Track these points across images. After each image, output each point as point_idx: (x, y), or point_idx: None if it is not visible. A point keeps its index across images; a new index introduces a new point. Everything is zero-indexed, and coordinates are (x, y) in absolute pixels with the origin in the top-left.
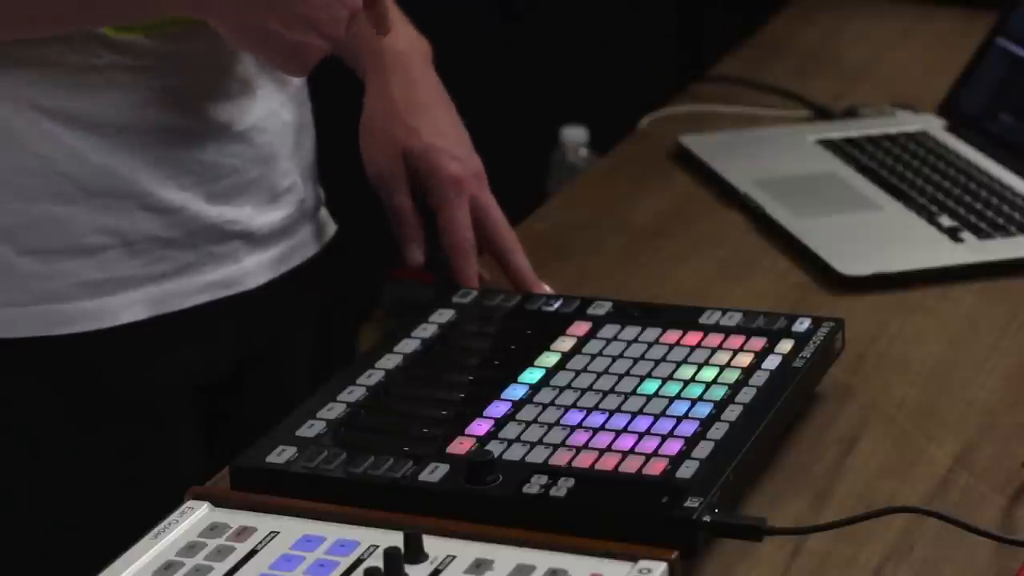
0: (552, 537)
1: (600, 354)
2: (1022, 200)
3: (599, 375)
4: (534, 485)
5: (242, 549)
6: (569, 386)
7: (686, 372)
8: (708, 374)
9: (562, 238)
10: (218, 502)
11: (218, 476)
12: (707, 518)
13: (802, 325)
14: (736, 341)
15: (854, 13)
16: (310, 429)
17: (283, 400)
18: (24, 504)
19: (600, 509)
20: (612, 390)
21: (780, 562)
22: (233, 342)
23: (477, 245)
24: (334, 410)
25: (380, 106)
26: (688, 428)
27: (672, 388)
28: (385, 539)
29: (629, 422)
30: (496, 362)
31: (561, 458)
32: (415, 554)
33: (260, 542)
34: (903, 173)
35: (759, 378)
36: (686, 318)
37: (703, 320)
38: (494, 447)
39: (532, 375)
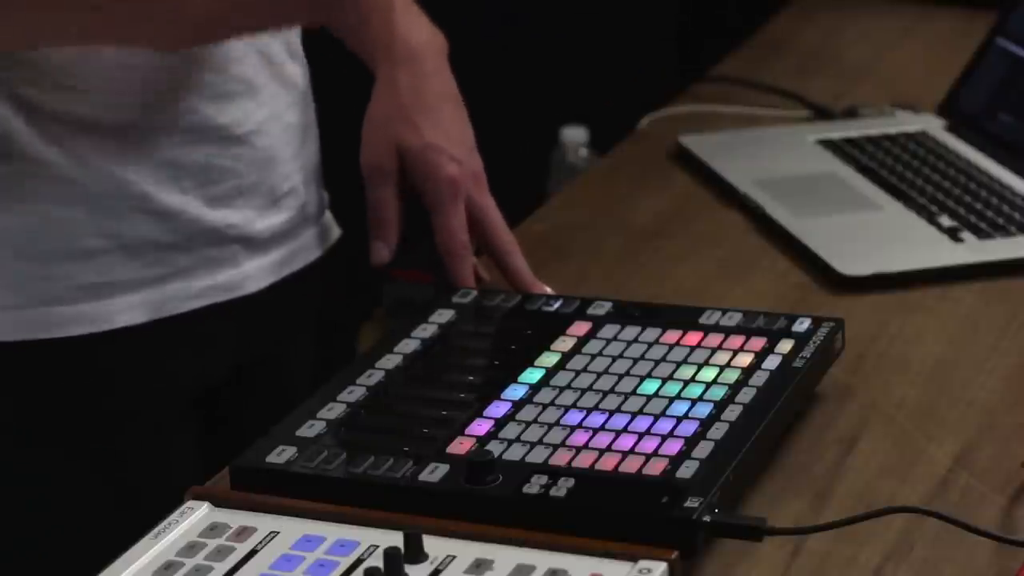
0: (552, 537)
1: (600, 354)
2: (1022, 200)
3: (599, 375)
4: (534, 485)
5: (242, 549)
6: (569, 386)
7: (686, 372)
8: (708, 374)
9: (562, 238)
10: (218, 502)
11: (218, 476)
12: (707, 518)
13: (802, 325)
14: (736, 341)
15: (854, 13)
16: (310, 429)
17: (284, 402)
18: (21, 507)
19: (600, 509)
20: (612, 390)
21: (780, 562)
22: (232, 346)
23: (475, 246)
24: (334, 410)
25: (386, 99)
26: (688, 428)
27: (672, 388)
28: (385, 539)
29: (629, 422)
30: (496, 362)
31: (561, 458)
32: (415, 554)
33: (260, 542)
34: (903, 173)
35: (759, 378)
36: (686, 318)
37: (703, 320)
38: (494, 447)
39: (532, 375)
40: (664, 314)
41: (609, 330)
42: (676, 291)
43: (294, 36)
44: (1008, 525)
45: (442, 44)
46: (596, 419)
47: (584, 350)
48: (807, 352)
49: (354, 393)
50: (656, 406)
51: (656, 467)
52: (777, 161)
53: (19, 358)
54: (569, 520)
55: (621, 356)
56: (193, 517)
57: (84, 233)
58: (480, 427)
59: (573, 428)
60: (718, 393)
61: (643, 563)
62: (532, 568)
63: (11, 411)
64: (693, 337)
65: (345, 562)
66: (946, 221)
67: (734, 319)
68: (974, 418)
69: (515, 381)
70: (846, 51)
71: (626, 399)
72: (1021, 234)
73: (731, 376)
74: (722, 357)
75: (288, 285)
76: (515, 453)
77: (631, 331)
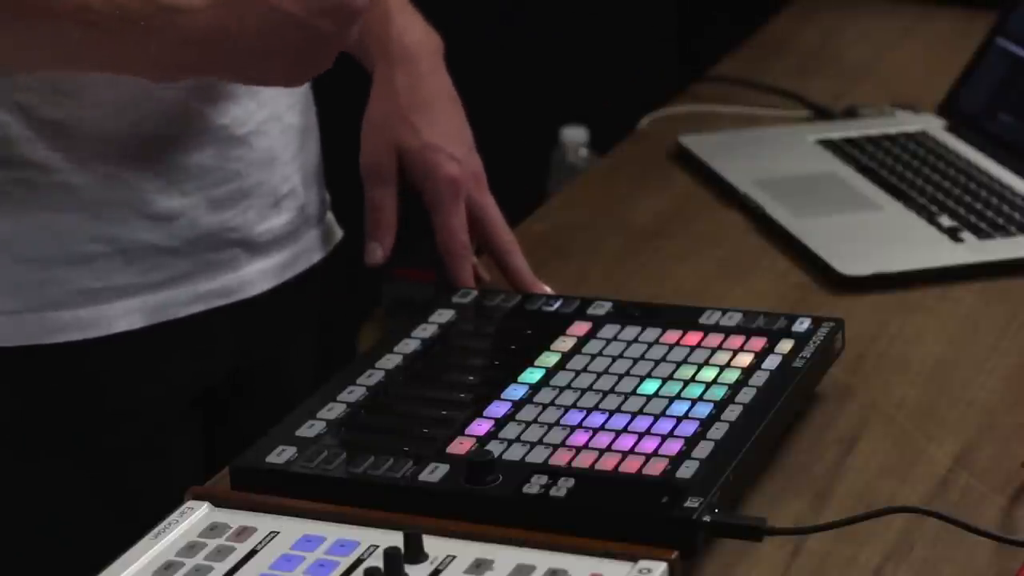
0: (552, 537)
1: (600, 354)
2: (1022, 200)
3: (599, 375)
4: (534, 485)
5: (242, 549)
6: (569, 386)
7: (686, 372)
8: (708, 374)
9: (562, 238)
10: (218, 502)
11: (218, 476)
12: (707, 518)
13: (802, 325)
14: (736, 341)
15: (854, 13)
16: (310, 429)
17: (284, 402)
18: (20, 510)
19: (600, 509)
20: (612, 390)
21: (780, 562)
22: (232, 349)
23: (475, 245)
24: (334, 410)
25: (383, 100)
26: (688, 428)
27: (672, 388)
28: (385, 539)
29: (629, 422)
30: (496, 362)
31: (561, 458)
32: (415, 554)
33: (260, 542)
34: (903, 173)
35: (759, 378)
36: (686, 318)
37: (703, 320)
38: (494, 447)
39: (532, 375)
40: (664, 314)
41: (609, 330)
42: (676, 291)
43: None
44: (1008, 525)
45: (438, 44)
46: (596, 419)
47: (584, 350)
48: (807, 352)
49: (354, 393)
50: (656, 406)
51: (656, 467)
52: (777, 161)
53: (17, 363)
54: (569, 520)
55: (621, 356)
56: (193, 517)
57: (83, 238)
58: (480, 427)
59: (573, 428)
60: (718, 393)
61: (643, 563)
62: (532, 568)
63: (10, 415)
64: (693, 337)
65: (345, 562)
66: (946, 221)
67: (734, 319)
68: (974, 418)
69: (515, 381)
70: (846, 51)
71: (626, 399)
72: (1021, 234)
73: (731, 376)
74: (722, 357)
75: (289, 288)
76: (515, 453)
77: (631, 331)
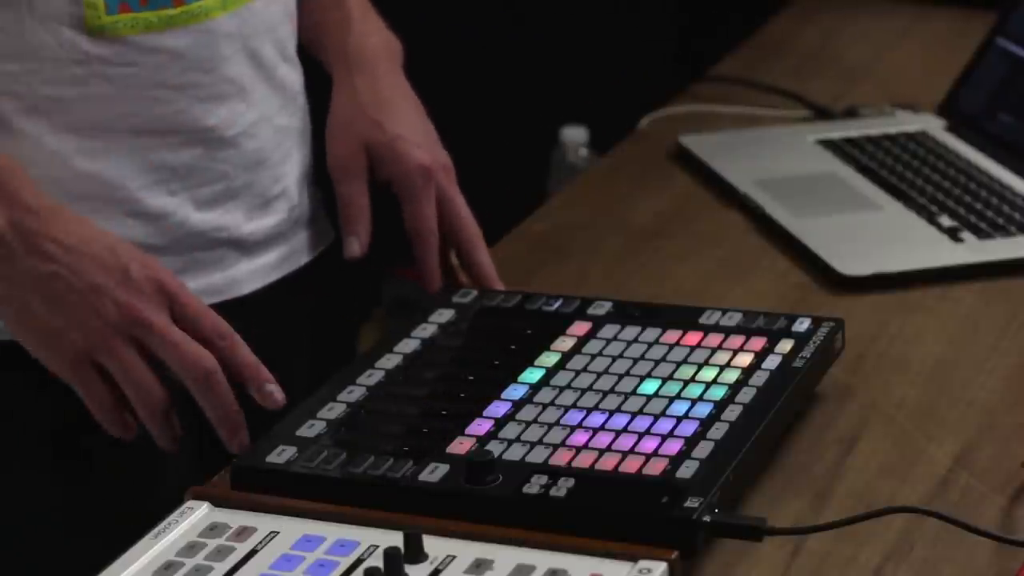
0: (552, 537)
1: (600, 354)
2: (1022, 200)
3: (599, 375)
4: (534, 485)
5: (242, 549)
6: (569, 386)
7: (686, 372)
8: (708, 374)
9: (562, 238)
10: (218, 502)
11: (218, 476)
12: (707, 518)
13: (802, 325)
14: (736, 341)
15: (854, 13)
16: (310, 429)
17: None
18: (16, 511)
19: (600, 509)
20: (612, 390)
21: (780, 562)
22: None
23: (442, 238)
24: (334, 410)
25: (345, 102)
26: (688, 428)
27: (672, 388)
28: (385, 539)
29: (629, 422)
30: (496, 362)
31: (561, 458)
32: (415, 554)
33: (260, 542)
34: (903, 173)
35: (759, 378)
36: (686, 318)
37: (703, 320)
38: (494, 447)
39: (532, 375)
40: (664, 314)
41: (609, 330)
42: (676, 291)
43: (288, 39)
44: (1008, 525)
45: (396, 49)
46: (596, 419)
47: (584, 350)
48: (807, 352)
49: (354, 393)
50: (656, 406)
51: (656, 467)
52: (777, 161)
53: (6, 359)
54: (569, 520)
55: (621, 356)
56: (193, 517)
57: None
58: (480, 427)
59: (573, 428)
60: (718, 393)
61: (643, 563)
62: (532, 568)
63: (4, 413)
64: (693, 337)
65: (345, 562)
66: (946, 221)
67: (734, 319)
68: (974, 418)
69: (515, 381)
70: (846, 51)
71: (626, 399)
72: (1021, 234)
73: (731, 376)
74: (722, 357)
75: (281, 287)
76: (515, 453)
77: (631, 331)
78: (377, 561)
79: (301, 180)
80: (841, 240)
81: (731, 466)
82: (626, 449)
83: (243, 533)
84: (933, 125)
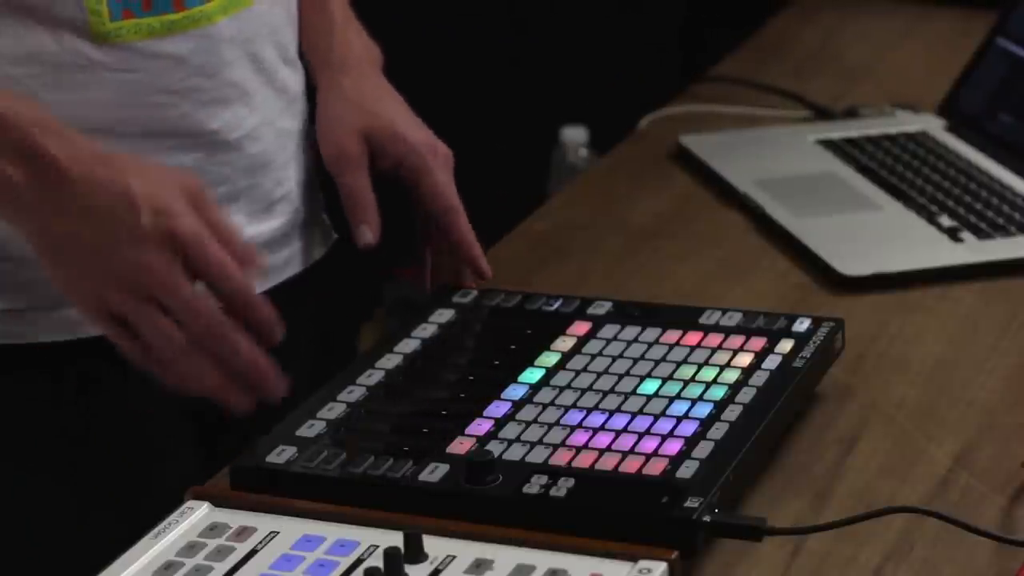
0: (552, 537)
1: (600, 354)
2: (1022, 200)
3: (599, 375)
4: (534, 485)
5: (242, 549)
6: (569, 386)
7: (686, 372)
8: (708, 374)
9: (562, 238)
10: (218, 502)
11: (218, 476)
12: (707, 518)
13: (802, 325)
14: (736, 341)
15: (854, 13)
16: (310, 429)
17: (282, 403)
18: (13, 513)
19: (600, 509)
20: (612, 390)
21: (780, 562)
22: None
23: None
24: (334, 410)
25: (334, 100)
26: (688, 428)
27: (672, 388)
28: (385, 539)
29: (629, 422)
30: (496, 362)
31: (561, 458)
32: (415, 554)
33: (260, 542)
34: (903, 173)
35: (759, 378)
36: (686, 318)
37: (703, 320)
38: (494, 447)
39: (532, 375)
40: (664, 314)
41: (609, 330)
42: (676, 291)
43: (289, 42)
44: (1008, 525)
45: (378, 56)
46: (596, 419)
47: (584, 350)
48: (807, 352)
49: (354, 393)
50: (656, 406)
51: (656, 467)
52: (777, 161)
53: (6, 360)
54: (569, 520)
55: (621, 356)
56: (193, 517)
57: None
58: (480, 427)
59: (573, 428)
60: (718, 393)
61: (643, 563)
62: (532, 568)
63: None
64: (693, 337)
65: (345, 562)
66: (946, 221)
67: (734, 319)
68: (974, 418)
69: (515, 381)
70: (846, 51)
71: (626, 399)
72: (1021, 234)
73: (731, 376)
74: (722, 357)
75: (283, 290)
76: (515, 453)
77: (631, 331)
78: (377, 561)
79: (303, 183)
80: (841, 240)
81: (731, 466)
82: (626, 449)
83: (243, 533)
84: (933, 125)
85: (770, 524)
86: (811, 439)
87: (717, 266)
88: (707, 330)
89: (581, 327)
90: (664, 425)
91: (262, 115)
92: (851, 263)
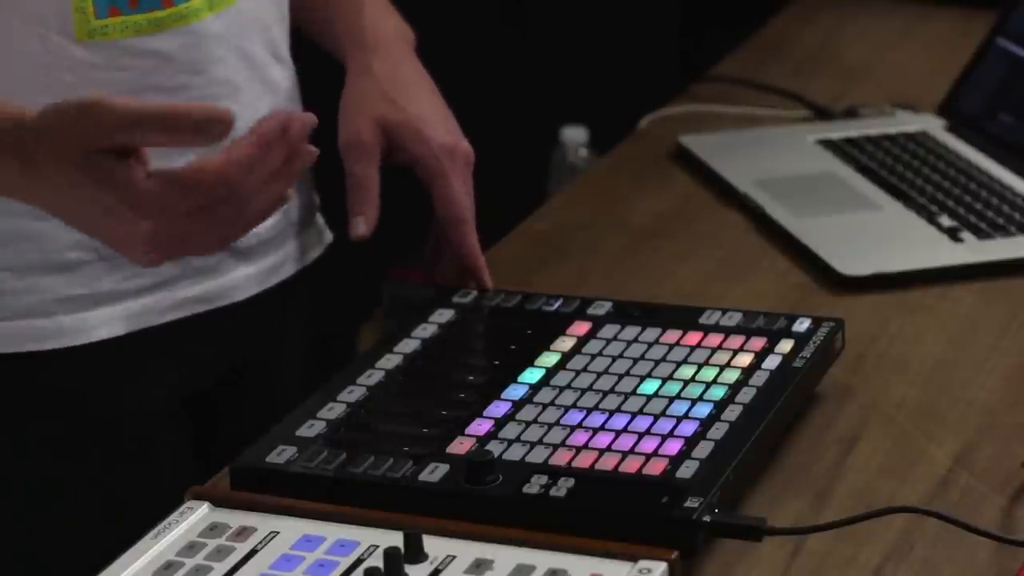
0: (552, 537)
1: (600, 354)
2: (1022, 200)
3: (599, 375)
4: (534, 485)
5: (242, 549)
6: (569, 386)
7: (686, 372)
8: (708, 374)
9: (562, 238)
10: (218, 502)
11: (218, 476)
12: (707, 518)
13: (802, 325)
14: (736, 341)
15: (854, 13)
16: (310, 429)
17: (276, 404)
18: (10, 516)
19: (600, 509)
20: (612, 390)
21: (780, 562)
22: (218, 354)
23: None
24: (334, 410)
25: (362, 81)
26: (688, 428)
27: (672, 388)
28: (385, 539)
29: (629, 422)
30: (496, 362)
31: (561, 458)
32: (415, 554)
33: (260, 542)
34: (903, 173)
35: (759, 378)
36: (686, 318)
37: (703, 320)
38: (494, 447)
39: (532, 375)
40: (664, 314)
41: (609, 330)
42: (676, 291)
43: (280, 39)
44: (1008, 525)
45: (410, 36)
46: (596, 419)
47: (584, 350)
48: (807, 352)
49: (354, 393)
50: (656, 406)
51: (656, 467)
52: (777, 161)
53: (6, 360)
54: (569, 520)
55: (621, 356)
56: (193, 517)
57: (63, 245)
58: (480, 427)
59: (573, 428)
60: (718, 393)
61: (643, 563)
62: (532, 568)
63: None
64: (693, 337)
65: (345, 562)
66: (946, 221)
67: (734, 319)
68: (974, 418)
69: (515, 381)
70: (846, 51)
71: (626, 399)
72: (1021, 234)
73: (731, 376)
74: (722, 357)
75: (278, 292)
76: (515, 453)
77: (631, 331)
78: (377, 561)
79: (297, 182)
80: (841, 240)
81: (731, 466)
82: (626, 449)
83: (243, 533)
84: (933, 125)
85: (770, 524)
86: (811, 439)
87: (717, 266)
88: (707, 330)
89: (581, 327)
90: (664, 425)
91: (253, 113)
92: (851, 263)
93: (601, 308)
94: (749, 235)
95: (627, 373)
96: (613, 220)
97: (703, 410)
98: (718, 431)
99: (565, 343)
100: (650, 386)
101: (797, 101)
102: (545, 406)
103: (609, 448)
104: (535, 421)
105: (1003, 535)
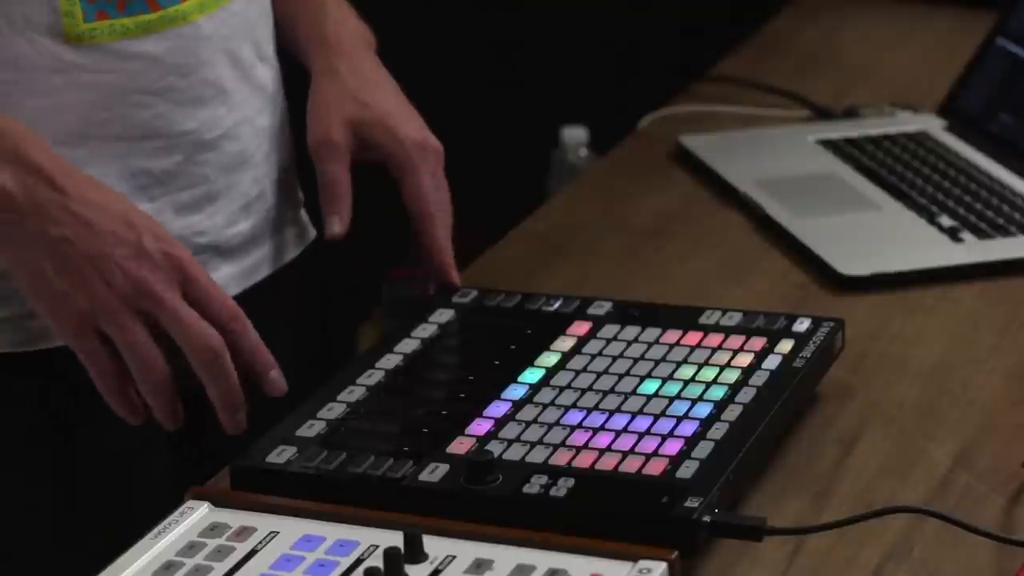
0: (552, 537)
1: (600, 354)
2: (1022, 200)
3: (599, 375)
4: (534, 485)
5: (242, 549)
6: (569, 386)
7: (686, 372)
8: (708, 374)
9: (562, 238)
10: (218, 502)
11: (218, 476)
12: (707, 518)
13: (802, 325)
14: (736, 341)
15: (854, 13)
16: (310, 429)
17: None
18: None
19: (600, 509)
20: (612, 390)
21: (780, 562)
22: None
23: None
24: (334, 410)
25: (328, 82)
26: (688, 428)
27: (672, 388)
28: (385, 539)
29: (629, 422)
30: (496, 362)
31: (561, 458)
32: (415, 554)
33: (260, 542)
34: (903, 173)
35: (759, 378)
36: (686, 318)
37: (703, 320)
38: (494, 447)
39: (532, 375)
40: (664, 314)
41: (609, 330)
42: (676, 291)
43: (264, 39)
44: (1008, 525)
45: (371, 38)
46: (596, 419)
47: (584, 350)
48: (807, 352)
49: (354, 393)
50: (656, 406)
51: (656, 467)
52: (777, 161)
53: (5, 362)
54: (569, 520)
55: (621, 356)
56: (193, 517)
57: None
58: (480, 427)
59: (573, 428)
60: (718, 393)
61: (643, 563)
62: (532, 568)
63: None
64: (693, 337)
65: (345, 562)
66: (946, 221)
67: (734, 319)
68: (974, 418)
69: (515, 381)
70: (846, 51)
71: (626, 399)
72: (1021, 234)
73: (731, 376)
74: (722, 357)
75: (265, 289)
76: (515, 453)
77: (631, 331)
78: (377, 561)
79: (281, 181)
80: (841, 240)
81: (731, 466)
82: (626, 449)
83: (243, 533)
84: (933, 125)
85: (770, 524)
86: (811, 439)
87: (717, 266)
88: (707, 330)
89: (581, 327)
90: (664, 425)
91: (241, 113)
92: (851, 263)
93: (601, 308)
94: (749, 235)
95: (627, 373)
96: (613, 220)
97: (703, 410)
98: (718, 431)
99: (565, 343)
100: (650, 386)
101: (797, 101)
102: (545, 406)
103: (609, 448)
104: (535, 421)
105: (1003, 535)
